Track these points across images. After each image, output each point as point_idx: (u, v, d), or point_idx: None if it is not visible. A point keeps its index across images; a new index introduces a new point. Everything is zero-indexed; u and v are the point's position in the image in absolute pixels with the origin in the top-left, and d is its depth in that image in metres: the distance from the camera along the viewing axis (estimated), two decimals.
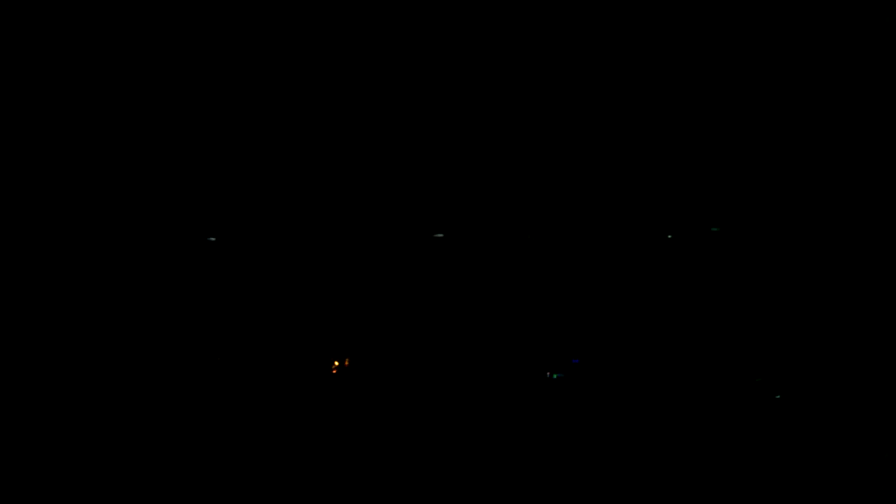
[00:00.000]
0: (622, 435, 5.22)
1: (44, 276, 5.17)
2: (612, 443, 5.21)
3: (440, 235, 5.43)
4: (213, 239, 5.29)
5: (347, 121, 5.46)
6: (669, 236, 5.38)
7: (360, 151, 5.45)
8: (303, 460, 5.13)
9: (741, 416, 5.24)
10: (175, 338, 5.20)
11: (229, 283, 5.27)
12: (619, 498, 5.13)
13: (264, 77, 5.41)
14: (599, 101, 5.46)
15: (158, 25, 5.33)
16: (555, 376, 5.26)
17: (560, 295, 5.38)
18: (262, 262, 5.33)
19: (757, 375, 5.26)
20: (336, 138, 5.45)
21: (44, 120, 5.27)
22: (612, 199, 5.44)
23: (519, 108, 5.47)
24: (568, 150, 5.46)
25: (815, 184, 5.39)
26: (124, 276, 5.22)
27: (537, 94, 5.47)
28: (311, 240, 5.38)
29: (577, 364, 5.29)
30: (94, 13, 5.27)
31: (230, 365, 5.18)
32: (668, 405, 5.26)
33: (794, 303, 5.35)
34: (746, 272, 5.38)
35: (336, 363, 5.24)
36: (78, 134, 5.28)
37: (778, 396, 5.24)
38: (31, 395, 5.08)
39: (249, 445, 5.12)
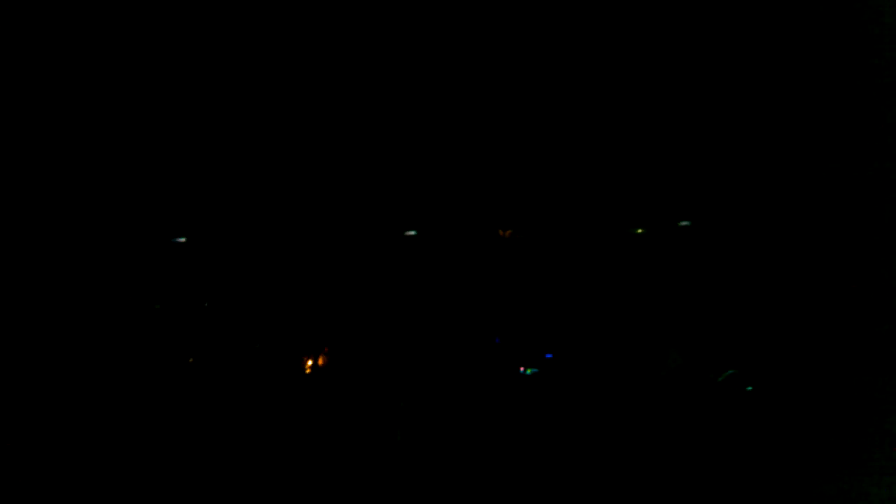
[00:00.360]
0: (595, 429, 5.27)
1: (21, 275, 5.16)
2: (585, 436, 5.25)
3: (412, 233, 5.47)
4: (182, 239, 5.30)
5: (323, 122, 5.49)
6: (639, 231, 5.44)
7: (331, 152, 5.48)
8: (275, 452, 5.14)
9: (711, 408, 5.30)
10: (153, 335, 5.20)
11: (204, 282, 5.28)
12: (591, 487, 5.18)
13: (238, 80, 5.42)
14: (565, 103, 5.52)
15: (137, 25, 5.34)
16: (528, 372, 5.30)
17: (534, 292, 5.42)
18: (236, 262, 5.34)
19: (727, 368, 5.33)
20: (309, 139, 5.48)
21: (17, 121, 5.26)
22: (582, 199, 5.50)
23: (484, 111, 5.51)
24: (536, 152, 5.52)
25: (779, 182, 5.46)
26: (99, 275, 5.22)
27: (504, 98, 5.52)
28: (286, 239, 5.40)
29: (550, 359, 5.34)
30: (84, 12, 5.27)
31: (206, 362, 5.19)
32: (641, 399, 5.31)
33: (761, 296, 5.41)
34: (715, 266, 5.45)
35: (310, 361, 5.26)
36: (62, 134, 5.28)
37: (749, 388, 5.30)
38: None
39: (224, 441, 5.12)
